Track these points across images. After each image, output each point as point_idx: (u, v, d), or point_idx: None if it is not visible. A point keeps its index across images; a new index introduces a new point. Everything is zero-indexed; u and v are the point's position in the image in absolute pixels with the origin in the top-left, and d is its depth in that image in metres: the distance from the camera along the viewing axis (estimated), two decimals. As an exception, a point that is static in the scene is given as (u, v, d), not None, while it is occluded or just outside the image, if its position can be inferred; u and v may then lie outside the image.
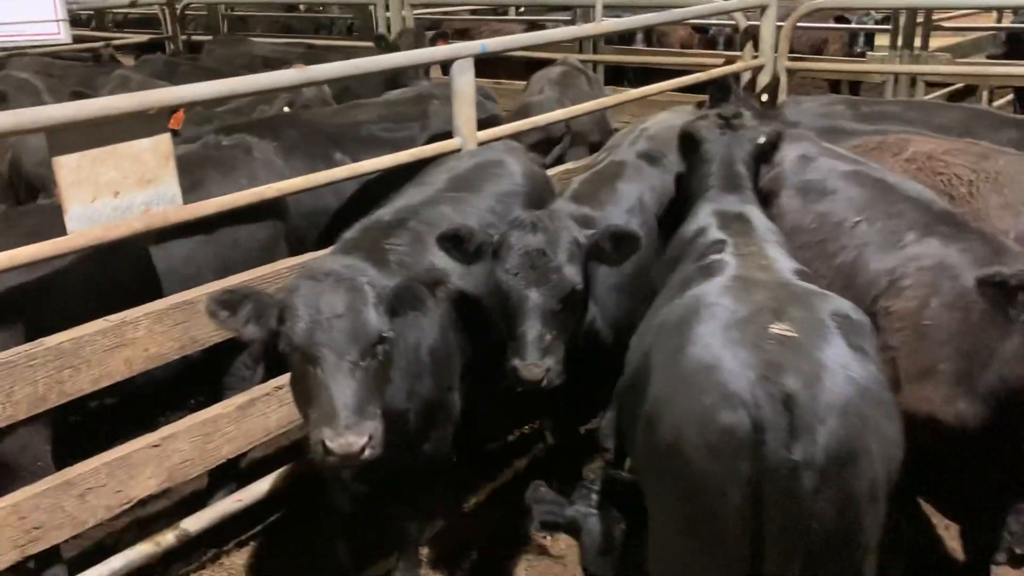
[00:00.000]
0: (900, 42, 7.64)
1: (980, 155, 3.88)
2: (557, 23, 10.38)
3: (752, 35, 6.68)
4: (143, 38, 10.91)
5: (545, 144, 5.44)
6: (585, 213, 3.54)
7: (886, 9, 8.80)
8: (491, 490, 4.32)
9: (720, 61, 7.22)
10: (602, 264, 3.26)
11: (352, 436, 2.46)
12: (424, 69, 6.61)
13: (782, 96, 6.20)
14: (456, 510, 4.15)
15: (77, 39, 8.76)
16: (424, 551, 3.78)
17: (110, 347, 3.08)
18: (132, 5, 11.01)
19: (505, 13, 12.17)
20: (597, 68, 8.55)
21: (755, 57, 6.50)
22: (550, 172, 4.61)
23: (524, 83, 7.30)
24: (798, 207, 3.60)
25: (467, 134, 4.27)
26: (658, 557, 2.47)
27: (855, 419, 2.03)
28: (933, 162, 3.88)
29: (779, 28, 6.41)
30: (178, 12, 10.64)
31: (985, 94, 8.44)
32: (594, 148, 5.47)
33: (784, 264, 2.75)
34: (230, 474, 3.89)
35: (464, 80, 4.23)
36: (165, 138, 3.22)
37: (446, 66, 4.35)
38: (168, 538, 3.43)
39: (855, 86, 9.75)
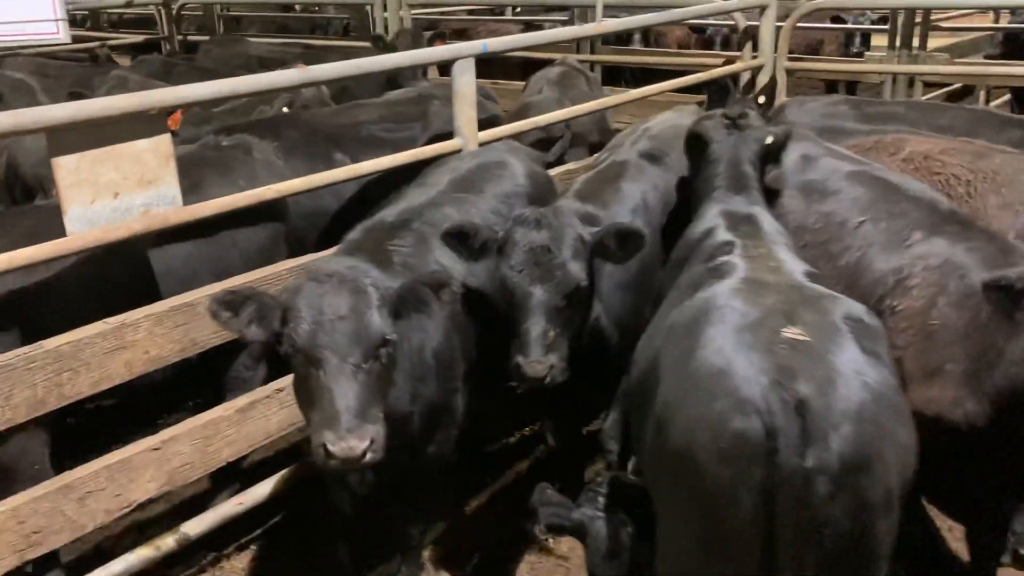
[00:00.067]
0: (898, 42, 7.65)
1: (977, 154, 3.86)
2: (554, 23, 10.37)
3: (751, 35, 6.67)
4: (139, 38, 10.88)
5: (545, 144, 5.41)
6: (589, 211, 3.52)
7: (884, 9, 8.80)
8: (493, 492, 4.30)
9: (720, 61, 7.22)
10: (607, 262, 3.25)
11: (354, 440, 2.44)
12: (422, 70, 6.59)
13: (780, 97, 6.19)
14: (458, 512, 4.13)
15: (73, 39, 8.71)
16: (426, 553, 3.76)
17: (110, 349, 3.04)
18: (128, 5, 10.97)
19: (502, 13, 12.15)
20: (595, 68, 8.53)
21: (754, 57, 6.48)
22: (551, 172, 4.59)
23: (521, 83, 7.28)
24: (801, 207, 3.59)
25: (468, 134, 4.25)
26: (667, 562, 2.44)
27: (870, 425, 2.00)
28: (930, 162, 3.86)
29: (779, 28, 6.40)
30: (174, 12, 10.60)
31: (983, 94, 8.47)
32: (594, 148, 5.46)
33: (794, 266, 2.73)
34: (231, 475, 3.85)
35: (465, 80, 4.21)
36: (165, 139, 3.19)
37: (444, 66, 4.32)
38: (168, 542, 3.39)
39: (852, 86, 9.75)
